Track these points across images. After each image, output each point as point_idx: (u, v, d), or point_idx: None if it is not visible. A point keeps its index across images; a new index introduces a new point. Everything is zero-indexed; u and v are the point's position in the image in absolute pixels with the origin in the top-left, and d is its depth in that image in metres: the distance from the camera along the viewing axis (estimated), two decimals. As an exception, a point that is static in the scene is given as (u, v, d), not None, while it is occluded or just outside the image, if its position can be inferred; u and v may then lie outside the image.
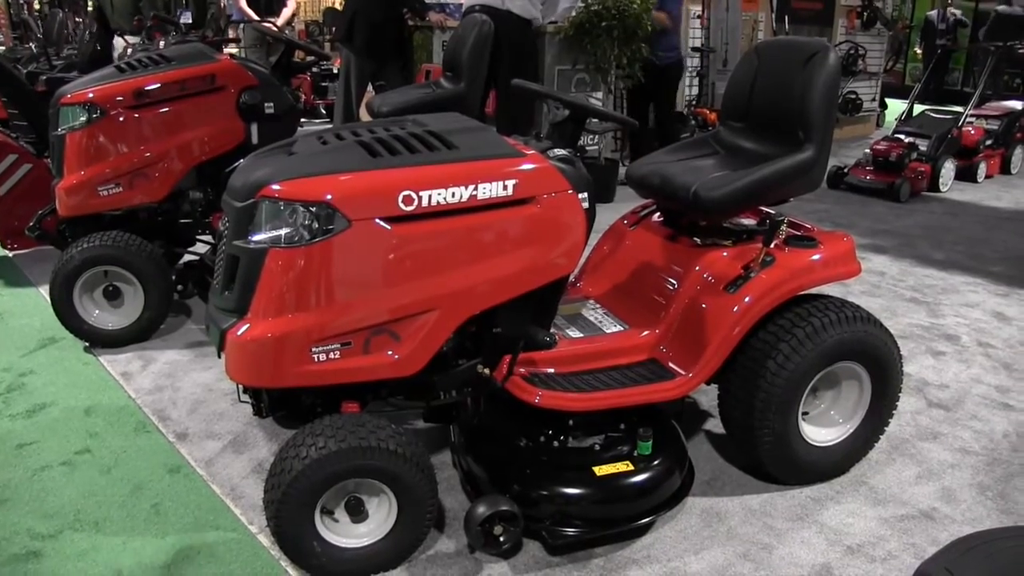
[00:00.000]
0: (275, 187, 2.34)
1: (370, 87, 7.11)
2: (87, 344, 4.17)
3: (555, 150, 2.67)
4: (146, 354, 4.12)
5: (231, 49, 7.62)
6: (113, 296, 4.15)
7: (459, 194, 2.41)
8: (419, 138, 2.55)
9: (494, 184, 2.45)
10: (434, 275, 2.43)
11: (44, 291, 4.61)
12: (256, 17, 7.92)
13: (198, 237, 4.69)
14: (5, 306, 4.75)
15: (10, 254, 5.49)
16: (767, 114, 3.20)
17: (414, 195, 2.36)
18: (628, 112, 8.15)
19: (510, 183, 2.47)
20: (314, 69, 11.38)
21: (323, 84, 11.57)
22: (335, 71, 10.26)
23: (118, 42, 8.37)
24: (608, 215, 3.59)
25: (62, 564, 2.64)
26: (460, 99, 5.00)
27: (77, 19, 11.14)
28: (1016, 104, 9.69)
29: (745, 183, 2.91)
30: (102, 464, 3.17)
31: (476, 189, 2.43)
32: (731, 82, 3.41)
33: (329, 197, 2.30)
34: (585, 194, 2.62)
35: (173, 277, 4.35)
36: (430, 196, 2.37)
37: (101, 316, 4.15)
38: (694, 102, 9.44)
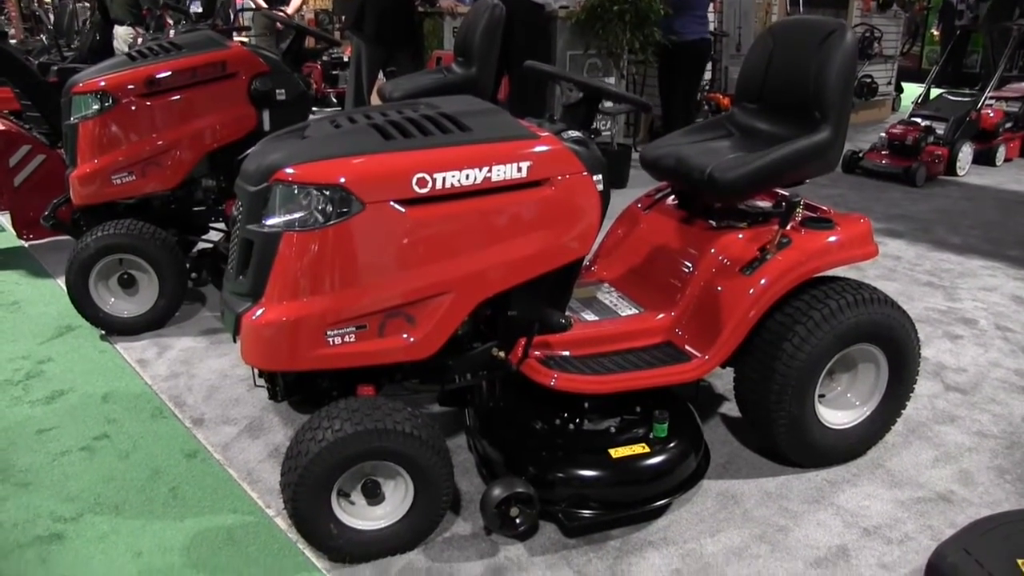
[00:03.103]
0: (289, 171, 2.33)
1: (381, 75, 7.10)
2: (103, 332, 4.19)
3: (569, 132, 2.66)
4: (162, 341, 4.13)
5: (241, 37, 7.63)
6: (128, 284, 4.16)
7: (473, 176, 2.40)
8: (433, 120, 2.55)
9: (508, 166, 2.44)
10: (449, 258, 2.43)
11: (60, 280, 4.62)
12: (265, 5, 7.92)
13: (211, 225, 4.70)
14: (23, 295, 4.78)
15: (26, 244, 5.51)
16: (782, 95, 3.18)
17: (428, 177, 2.35)
18: (657, 96, 8.05)
19: (524, 165, 2.46)
20: (325, 57, 11.39)
21: (334, 72, 11.57)
22: (346, 59, 10.26)
23: (119, 31, 8.37)
24: (621, 201, 3.58)
25: (84, 546, 2.67)
26: (472, 84, 4.98)
27: (86, 2, 11.10)
28: (1036, 86, 9.57)
29: (760, 164, 2.88)
30: (120, 449, 3.19)
31: (490, 171, 2.42)
32: (746, 63, 3.38)
33: (343, 180, 2.30)
34: (599, 176, 2.60)
35: (187, 265, 4.36)
36: (444, 178, 2.37)
37: (117, 304, 4.17)
38: (707, 87, 9.38)
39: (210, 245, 4.63)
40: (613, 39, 7.30)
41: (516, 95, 6.83)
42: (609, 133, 7.75)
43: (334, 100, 11.20)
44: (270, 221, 2.36)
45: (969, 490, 3.01)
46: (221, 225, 4.66)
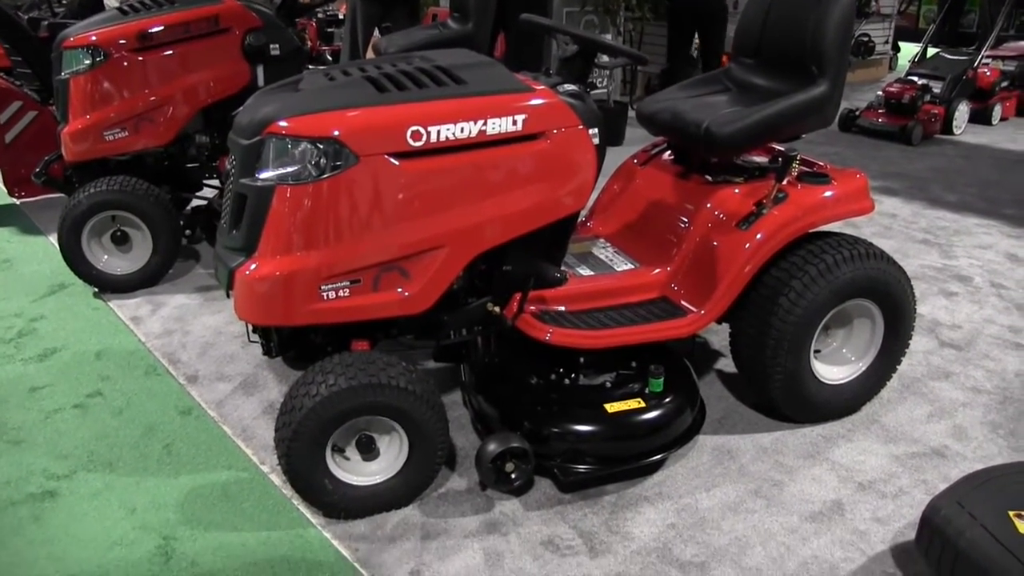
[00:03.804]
0: (282, 124, 2.31)
1: (376, 31, 7.01)
2: (96, 289, 4.17)
3: (565, 85, 2.63)
4: (155, 298, 4.12)
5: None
6: (121, 241, 4.13)
7: (468, 129, 2.38)
8: (427, 73, 2.51)
9: (503, 119, 2.41)
10: (443, 211, 2.41)
11: (53, 238, 4.60)
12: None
13: (205, 181, 4.66)
14: (15, 253, 4.75)
15: (18, 202, 5.48)
16: (779, 50, 3.15)
17: (423, 130, 2.33)
18: (668, 53, 7.96)
19: (519, 118, 2.43)
20: (320, 14, 11.25)
21: (329, 30, 11.42)
22: (341, 17, 10.13)
23: None
24: (617, 158, 3.56)
25: (78, 503, 2.67)
26: (468, 40, 4.91)
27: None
28: (1033, 45, 9.52)
29: (757, 119, 2.86)
30: (114, 406, 3.19)
31: (485, 124, 2.40)
32: (743, 18, 3.34)
33: (337, 133, 2.28)
34: (595, 130, 2.58)
35: (181, 222, 4.33)
36: (439, 131, 2.34)
37: (110, 261, 4.15)
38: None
39: (204, 202, 4.60)
40: (610, -6, 7.23)
41: (512, 51, 6.76)
42: (606, 90, 7.69)
43: (329, 58, 11.06)
44: (263, 175, 2.33)
45: (963, 445, 3.02)
46: (215, 182, 4.62)
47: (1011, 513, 2.20)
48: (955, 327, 3.96)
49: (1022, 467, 2.47)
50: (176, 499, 2.68)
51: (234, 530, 2.54)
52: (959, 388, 3.40)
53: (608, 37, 7.53)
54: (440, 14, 7.38)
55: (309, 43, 10.32)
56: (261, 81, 4.37)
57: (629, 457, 2.70)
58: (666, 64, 8.06)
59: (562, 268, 2.83)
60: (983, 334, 3.89)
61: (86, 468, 2.83)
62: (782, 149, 3.10)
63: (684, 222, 3.02)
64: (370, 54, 6.77)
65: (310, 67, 7.35)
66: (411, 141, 2.32)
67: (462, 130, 2.37)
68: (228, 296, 2.47)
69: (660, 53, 8.84)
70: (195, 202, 4.67)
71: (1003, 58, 9.12)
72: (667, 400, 2.74)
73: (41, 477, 2.79)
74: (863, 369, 3.11)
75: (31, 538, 2.52)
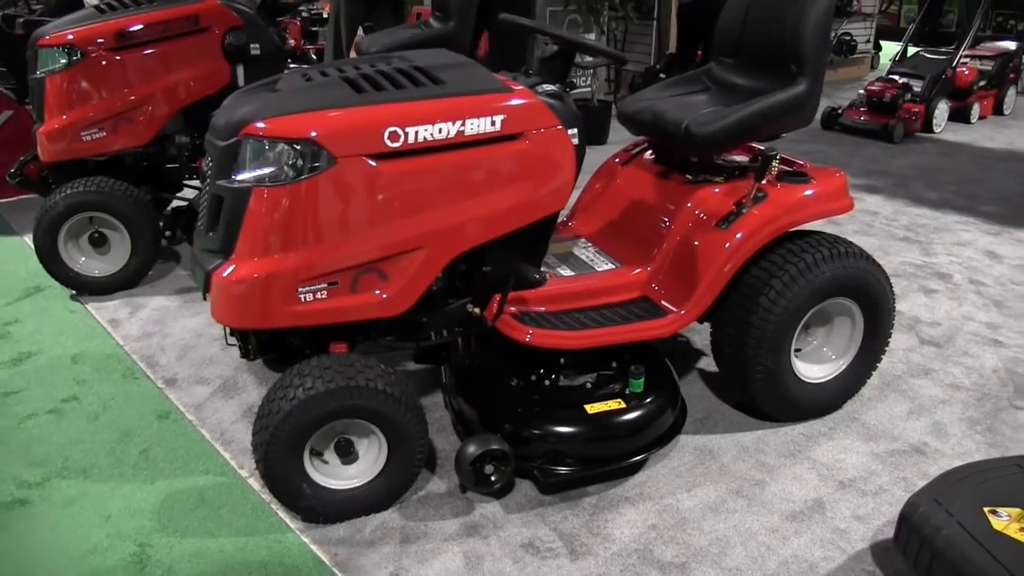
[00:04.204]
0: (259, 125, 2.29)
1: (360, 30, 6.99)
2: (74, 292, 4.12)
3: (544, 86, 2.62)
4: (134, 300, 4.08)
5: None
6: (99, 243, 4.09)
7: (446, 130, 2.36)
8: (405, 74, 2.50)
9: (482, 120, 2.40)
10: (421, 212, 2.40)
11: (28, 239, 4.55)
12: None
13: (185, 182, 4.62)
14: (-10, 255, 4.70)
15: (-8, 202, 5.43)
16: (759, 49, 3.15)
17: (400, 131, 2.31)
18: (679, 53, 7.95)
19: (498, 119, 2.42)
20: (304, 13, 11.20)
21: (313, 29, 11.38)
22: (325, 15, 10.09)
23: None
24: (601, 157, 3.55)
25: (50, 511, 2.63)
26: (449, 39, 4.89)
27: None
28: (1010, 45, 9.59)
29: (737, 118, 2.86)
30: (90, 411, 3.15)
31: (463, 125, 2.38)
32: (723, 18, 3.34)
33: (314, 134, 2.26)
34: (575, 130, 2.57)
35: (160, 223, 4.29)
36: (417, 132, 2.33)
37: (87, 263, 4.10)
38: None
39: (185, 203, 4.56)
40: (593, -7, 7.21)
41: (496, 50, 6.73)
42: (589, 89, 7.68)
43: (313, 57, 11.02)
44: (240, 176, 2.31)
45: (942, 442, 3.03)
46: (196, 182, 4.58)
47: (986, 510, 2.21)
48: (935, 324, 3.97)
49: (998, 463, 2.48)
50: (152, 505, 2.65)
51: (211, 536, 2.51)
52: (938, 385, 3.42)
53: (592, 36, 7.54)
54: (424, 13, 7.36)
55: (293, 42, 10.28)
56: (241, 81, 4.34)
57: (610, 458, 2.69)
58: (659, 64, 8.06)
59: (542, 268, 2.83)
60: (962, 331, 3.91)
61: (60, 475, 2.79)
62: (762, 148, 3.10)
63: (665, 222, 3.02)
64: (353, 54, 6.75)
65: (292, 66, 7.33)
66: (389, 142, 2.30)
67: (440, 131, 2.36)
68: (205, 299, 2.45)
69: (644, 52, 8.86)
70: (176, 203, 4.63)
71: (981, 57, 9.22)
72: (648, 400, 2.73)
73: (12, 485, 2.74)
74: (843, 367, 3.11)
75: (-1, 548, 2.48)
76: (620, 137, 3.46)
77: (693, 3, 7.61)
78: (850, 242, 2.95)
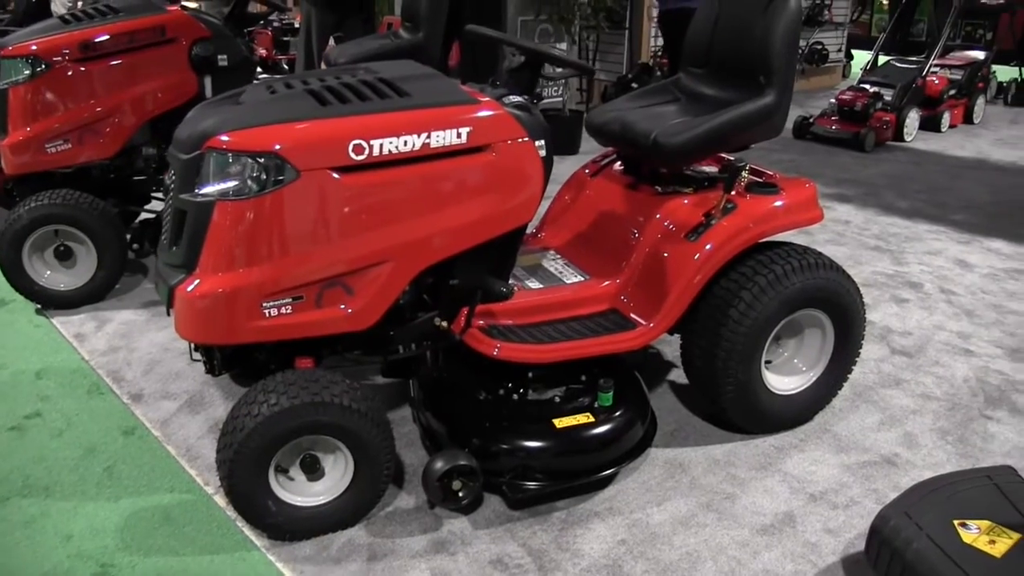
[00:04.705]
0: (222, 138, 2.26)
1: (332, 40, 6.96)
2: (39, 306, 4.06)
3: (511, 97, 2.60)
4: (100, 315, 4.02)
5: (189, 3, 7.42)
6: (65, 256, 4.03)
7: (411, 142, 2.34)
8: (370, 86, 2.48)
9: (448, 132, 2.38)
10: (387, 226, 2.37)
11: (-6, 253, 4.47)
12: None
13: (153, 194, 4.56)
14: (-46, 268, 4.61)
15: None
16: (728, 59, 3.15)
17: (365, 144, 2.28)
18: (672, 65, 7.94)
19: (464, 131, 2.40)
20: (275, 23, 11.16)
21: (284, 39, 11.34)
22: (296, 25, 10.05)
23: None
24: (572, 166, 3.53)
25: (9, 531, 2.57)
26: (419, 49, 4.88)
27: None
28: (979, 54, 9.69)
29: (706, 129, 2.86)
30: (53, 428, 3.10)
31: (429, 137, 2.36)
32: (692, 28, 3.34)
33: (277, 147, 2.23)
34: (542, 141, 2.55)
35: (128, 236, 4.24)
36: (381, 145, 2.30)
37: (53, 277, 4.04)
38: (659, 52, 9.34)
39: (152, 215, 4.51)
40: (564, 3, 7.21)
41: (467, 60, 6.73)
42: (561, 99, 7.68)
43: (285, 67, 10.98)
44: (203, 190, 2.28)
45: (913, 452, 3.03)
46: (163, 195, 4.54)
47: (956, 522, 2.21)
48: (906, 334, 3.98)
49: (968, 475, 2.48)
50: (116, 524, 2.60)
51: (175, 554, 2.47)
52: (909, 395, 3.42)
53: (563, 47, 7.55)
54: (395, 23, 7.32)
55: (263, 52, 10.23)
56: (209, 92, 4.31)
57: (579, 472, 2.66)
58: (631, 74, 8.07)
59: (511, 281, 2.80)
60: (933, 340, 3.92)
61: (20, 494, 2.73)
62: (731, 159, 3.10)
63: (634, 233, 3.00)
64: (323, 65, 6.72)
65: (262, 76, 7.28)
66: (353, 155, 2.28)
67: (405, 143, 2.33)
68: (168, 314, 2.41)
69: (617, 62, 8.88)
70: (143, 215, 4.57)
71: (951, 67, 9.30)
72: (617, 414, 2.71)
73: (-30, 505, 2.69)
74: (814, 379, 3.11)
75: (-46, 571, 2.43)
76: (592, 147, 3.44)
77: (674, 11, 7.57)
78: (820, 253, 2.95)
